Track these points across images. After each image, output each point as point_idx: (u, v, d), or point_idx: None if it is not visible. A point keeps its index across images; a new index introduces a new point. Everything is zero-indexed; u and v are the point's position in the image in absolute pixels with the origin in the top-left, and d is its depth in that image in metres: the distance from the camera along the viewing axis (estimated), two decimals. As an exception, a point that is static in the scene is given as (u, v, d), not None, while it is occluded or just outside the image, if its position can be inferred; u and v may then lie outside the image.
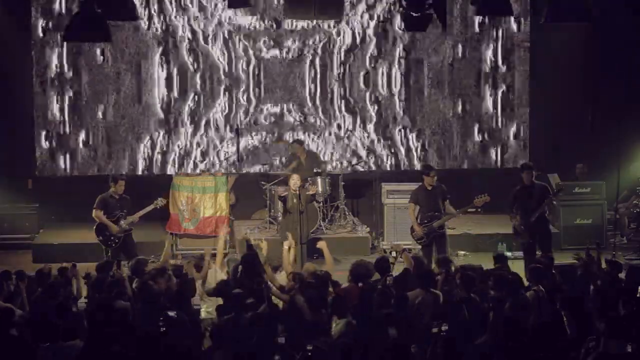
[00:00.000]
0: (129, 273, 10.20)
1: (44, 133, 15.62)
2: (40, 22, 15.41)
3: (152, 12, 15.52)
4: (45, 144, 15.65)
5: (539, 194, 12.28)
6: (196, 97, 15.82)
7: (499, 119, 16.32)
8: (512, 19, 15.76)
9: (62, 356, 7.69)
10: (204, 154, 15.88)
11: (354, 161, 15.84)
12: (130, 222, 12.66)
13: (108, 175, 14.75)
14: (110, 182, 12.78)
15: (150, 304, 8.94)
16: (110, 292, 9.02)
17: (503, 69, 16.19)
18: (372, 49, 15.93)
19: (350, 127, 16.06)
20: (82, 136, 15.70)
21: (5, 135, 15.28)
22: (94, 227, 12.70)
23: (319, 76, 15.94)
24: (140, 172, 15.68)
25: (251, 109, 15.90)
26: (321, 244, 11.24)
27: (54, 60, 15.51)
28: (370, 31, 15.88)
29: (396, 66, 15.98)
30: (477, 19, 15.92)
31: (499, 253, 10.86)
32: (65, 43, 15.28)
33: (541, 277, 9.44)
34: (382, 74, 16.01)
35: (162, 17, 15.59)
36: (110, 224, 12.54)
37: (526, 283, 9.71)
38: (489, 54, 16.15)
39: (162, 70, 15.71)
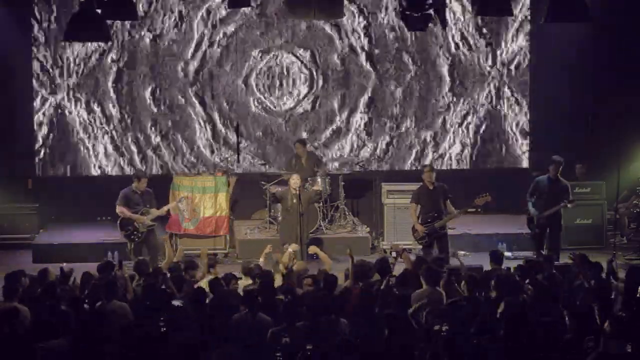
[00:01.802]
0: (131, 273, 10.25)
1: (44, 133, 15.64)
2: (40, 22, 15.42)
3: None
4: (45, 144, 15.66)
5: (561, 191, 12.77)
6: (198, 95, 15.89)
7: (499, 119, 16.33)
8: (512, 18, 15.78)
9: (52, 355, 7.70)
10: (205, 154, 15.94)
11: (355, 161, 15.85)
12: (153, 218, 12.84)
13: (108, 176, 14.86)
14: (134, 178, 13.05)
15: (153, 303, 8.95)
16: (106, 293, 9.03)
17: (503, 68, 16.21)
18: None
19: (351, 128, 16.14)
20: (82, 136, 15.71)
21: (5, 135, 15.27)
22: (118, 223, 12.82)
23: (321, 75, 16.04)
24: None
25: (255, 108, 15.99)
26: (312, 249, 11.53)
27: (54, 60, 15.52)
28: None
29: (398, 64, 16.06)
30: (476, 19, 15.98)
31: (494, 251, 10.83)
32: (65, 43, 15.29)
33: (536, 273, 9.61)
34: (385, 73, 16.09)
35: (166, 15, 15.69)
36: (135, 216, 12.71)
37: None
38: (489, 53, 16.18)
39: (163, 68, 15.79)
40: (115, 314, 8.67)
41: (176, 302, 8.83)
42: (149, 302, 8.95)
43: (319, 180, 14.32)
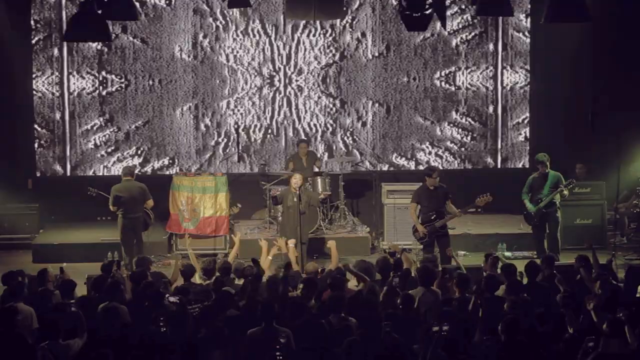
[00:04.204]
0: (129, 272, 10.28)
1: (44, 133, 15.64)
2: (40, 22, 15.43)
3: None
4: (45, 144, 15.67)
5: (552, 182, 13.08)
6: (198, 96, 15.92)
7: (499, 119, 16.33)
8: (512, 18, 15.77)
9: (62, 355, 7.71)
10: (205, 154, 15.96)
11: (355, 161, 15.85)
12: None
13: (108, 176, 14.88)
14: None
15: (153, 303, 8.95)
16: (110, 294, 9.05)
17: (503, 68, 16.21)
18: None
19: (351, 127, 16.16)
20: (82, 136, 15.72)
21: (5, 135, 15.27)
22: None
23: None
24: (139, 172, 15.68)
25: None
26: (331, 244, 11.50)
27: (54, 60, 15.53)
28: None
29: (395, 63, 16.07)
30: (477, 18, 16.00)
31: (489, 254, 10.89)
32: (65, 43, 15.30)
33: (538, 272, 9.69)
34: (383, 71, 16.10)
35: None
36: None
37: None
38: (489, 54, 16.19)
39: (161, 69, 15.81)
40: (118, 314, 8.69)
41: (172, 299, 8.82)
42: (147, 302, 8.97)
43: (319, 180, 14.32)
